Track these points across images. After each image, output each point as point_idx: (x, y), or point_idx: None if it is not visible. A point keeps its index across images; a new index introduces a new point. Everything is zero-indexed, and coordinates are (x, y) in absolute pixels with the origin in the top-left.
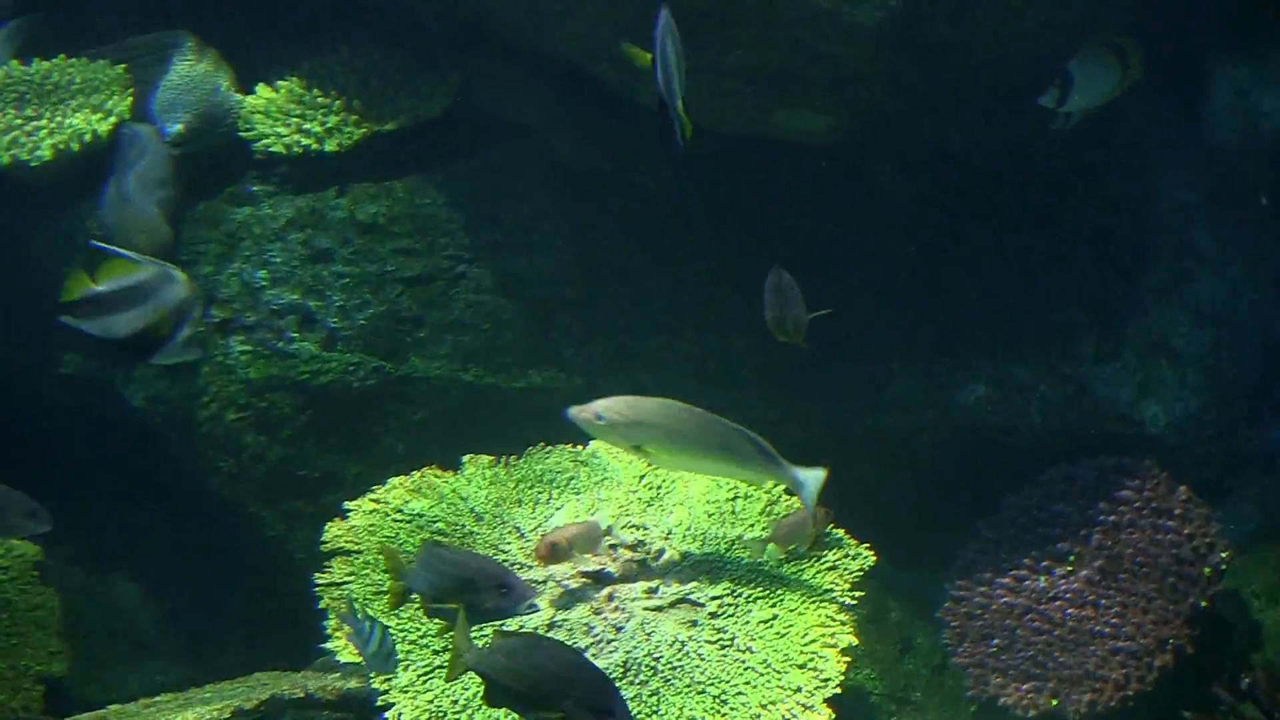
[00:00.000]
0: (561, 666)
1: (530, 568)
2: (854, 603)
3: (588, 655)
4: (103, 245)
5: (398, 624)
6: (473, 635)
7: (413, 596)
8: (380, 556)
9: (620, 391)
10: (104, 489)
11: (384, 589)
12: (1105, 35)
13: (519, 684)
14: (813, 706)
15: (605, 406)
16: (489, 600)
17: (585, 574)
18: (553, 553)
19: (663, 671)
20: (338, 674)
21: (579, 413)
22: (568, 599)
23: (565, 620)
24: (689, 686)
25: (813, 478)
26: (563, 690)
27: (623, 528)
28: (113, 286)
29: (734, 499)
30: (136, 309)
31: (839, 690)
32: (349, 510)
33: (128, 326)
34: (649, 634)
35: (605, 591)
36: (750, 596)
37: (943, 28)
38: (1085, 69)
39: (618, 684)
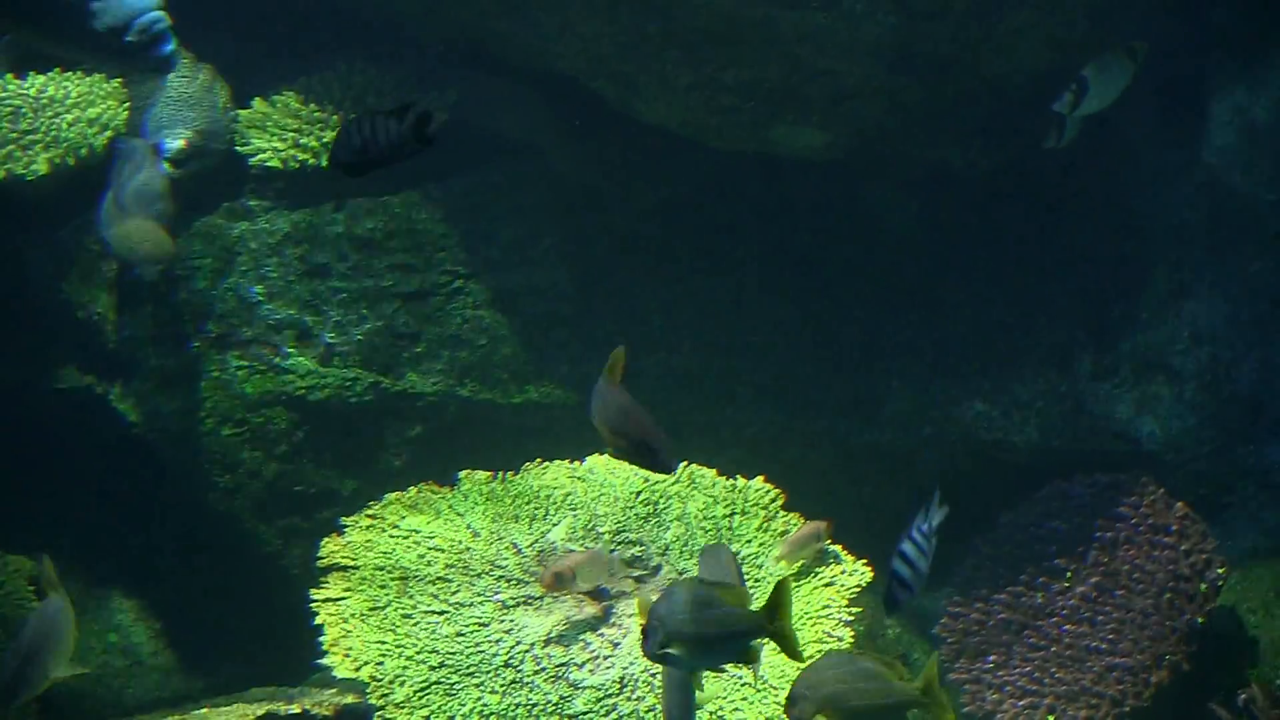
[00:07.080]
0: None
1: (528, 583)
2: (851, 619)
3: (584, 671)
4: None
5: (394, 638)
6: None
7: None
8: (377, 572)
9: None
10: (100, 504)
11: (380, 604)
12: (1117, 42)
13: None
14: None
15: None
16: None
17: (583, 590)
18: (558, 582)
19: (659, 687)
20: (334, 689)
21: None
22: (565, 615)
23: (563, 636)
24: None
25: None
26: None
27: (620, 543)
28: None
29: (731, 515)
30: None
31: None
32: (346, 526)
33: None
34: None
35: (602, 607)
36: None
37: (942, 46)
38: (1100, 74)
39: (614, 700)
